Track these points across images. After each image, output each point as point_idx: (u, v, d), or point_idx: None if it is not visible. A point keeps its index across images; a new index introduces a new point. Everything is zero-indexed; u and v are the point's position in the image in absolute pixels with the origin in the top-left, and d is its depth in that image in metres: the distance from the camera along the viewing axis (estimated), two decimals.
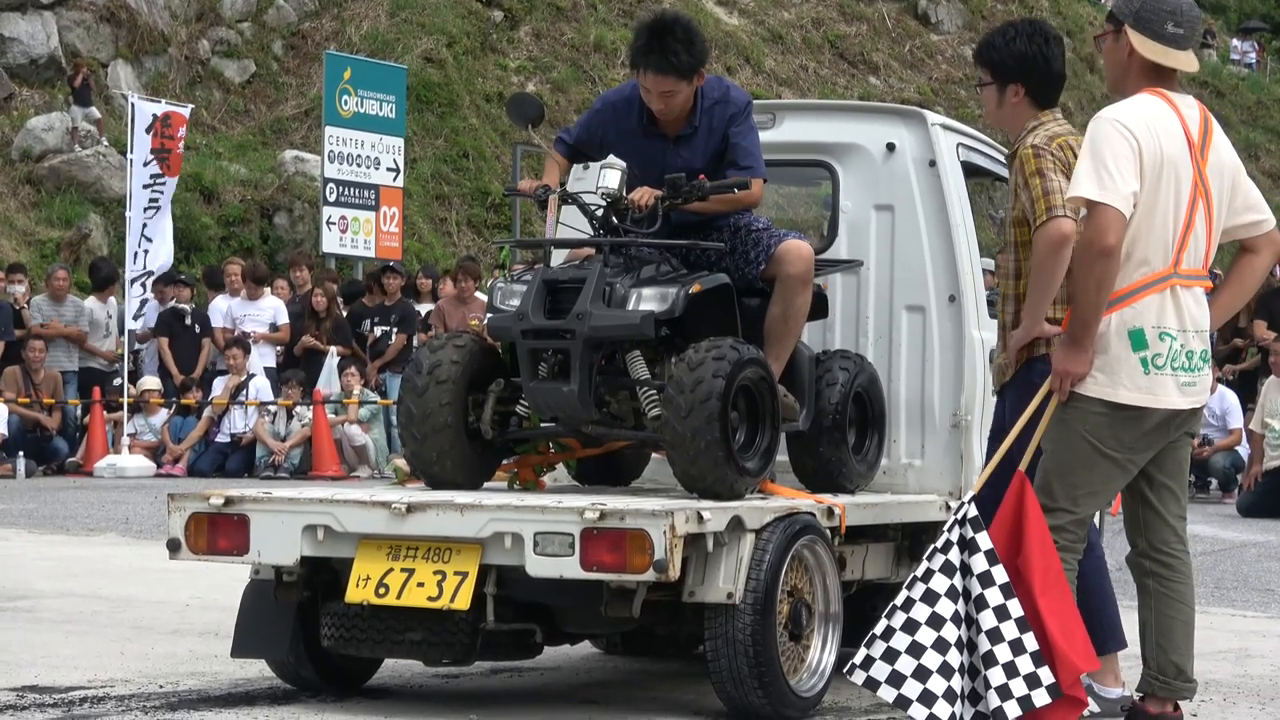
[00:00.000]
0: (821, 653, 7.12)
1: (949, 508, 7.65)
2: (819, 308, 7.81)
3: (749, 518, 6.78)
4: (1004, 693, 6.02)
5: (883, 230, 8.18)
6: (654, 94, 7.46)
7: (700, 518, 6.55)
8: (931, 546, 6.21)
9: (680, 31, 7.41)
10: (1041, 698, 6.04)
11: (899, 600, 6.15)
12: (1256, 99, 49.32)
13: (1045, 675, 6.06)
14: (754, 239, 7.53)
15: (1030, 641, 6.07)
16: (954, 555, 6.16)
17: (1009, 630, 6.07)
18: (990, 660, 6.05)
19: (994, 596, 6.09)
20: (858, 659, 6.13)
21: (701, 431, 6.85)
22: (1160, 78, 6.40)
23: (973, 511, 6.20)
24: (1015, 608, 6.09)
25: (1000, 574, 6.12)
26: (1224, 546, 14.90)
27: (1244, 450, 19.45)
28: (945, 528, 6.22)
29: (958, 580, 6.14)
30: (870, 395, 7.89)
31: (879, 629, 6.14)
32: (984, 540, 6.15)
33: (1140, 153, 6.20)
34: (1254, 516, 17.67)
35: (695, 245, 7.46)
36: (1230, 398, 19.88)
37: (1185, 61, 6.39)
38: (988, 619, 6.08)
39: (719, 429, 6.86)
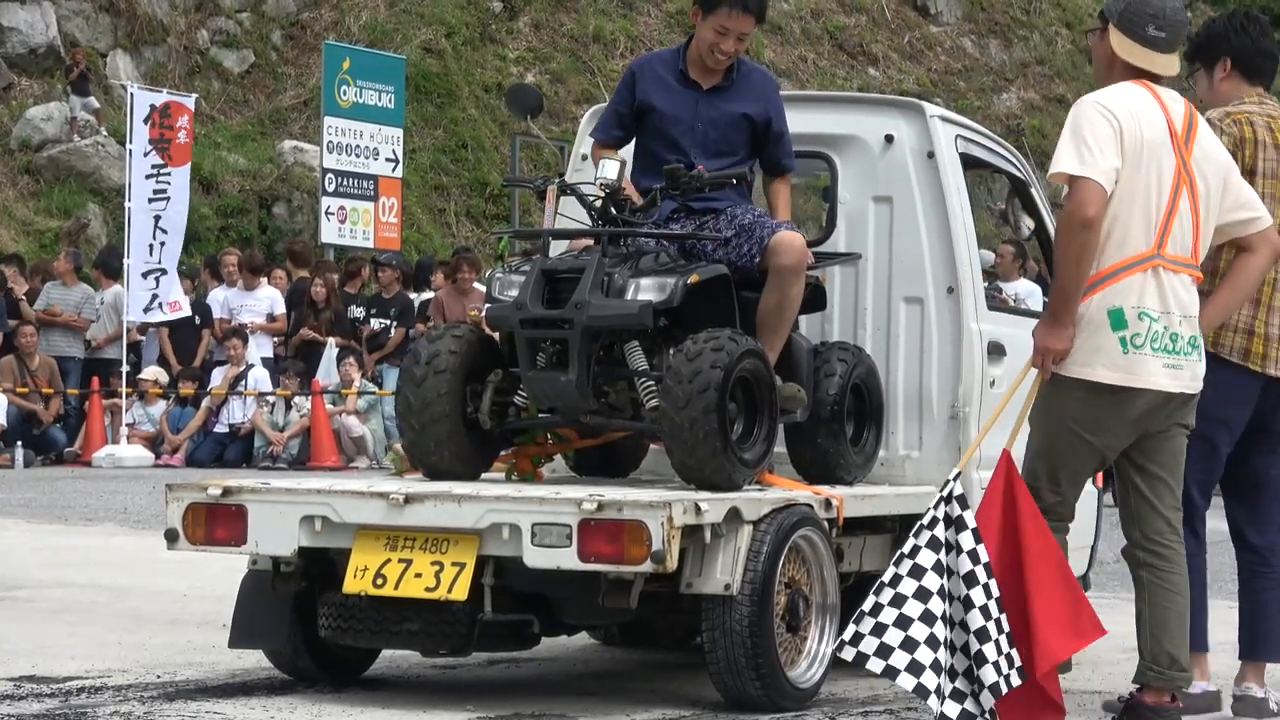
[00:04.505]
0: (819, 644, 7.12)
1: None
2: (817, 300, 7.81)
3: (747, 509, 6.78)
4: (998, 668, 6.10)
5: (881, 222, 8.17)
6: (731, 35, 7.55)
7: (698, 509, 6.55)
8: (918, 524, 6.25)
9: None
10: (1015, 679, 6.12)
11: (886, 577, 6.19)
12: None
13: (1015, 657, 6.14)
14: (747, 231, 7.53)
15: (1005, 623, 6.14)
16: (940, 531, 6.21)
17: (994, 609, 6.14)
18: (984, 635, 6.12)
19: (981, 574, 6.16)
20: (847, 635, 6.16)
21: (699, 422, 6.85)
22: (1146, 76, 6.47)
23: (958, 489, 6.25)
24: (994, 588, 6.16)
25: (984, 553, 6.18)
26: (1222, 538, 14.86)
27: None
28: (932, 505, 6.27)
29: (944, 556, 6.19)
30: (868, 387, 7.88)
31: (867, 605, 6.17)
32: (970, 518, 6.21)
33: (1121, 133, 6.26)
34: None
35: (694, 236, 7.46)
36: None
37: (1164, 65, 6.48)
38: (978, 595, 6.14)
39: (717, 420, 6.86)
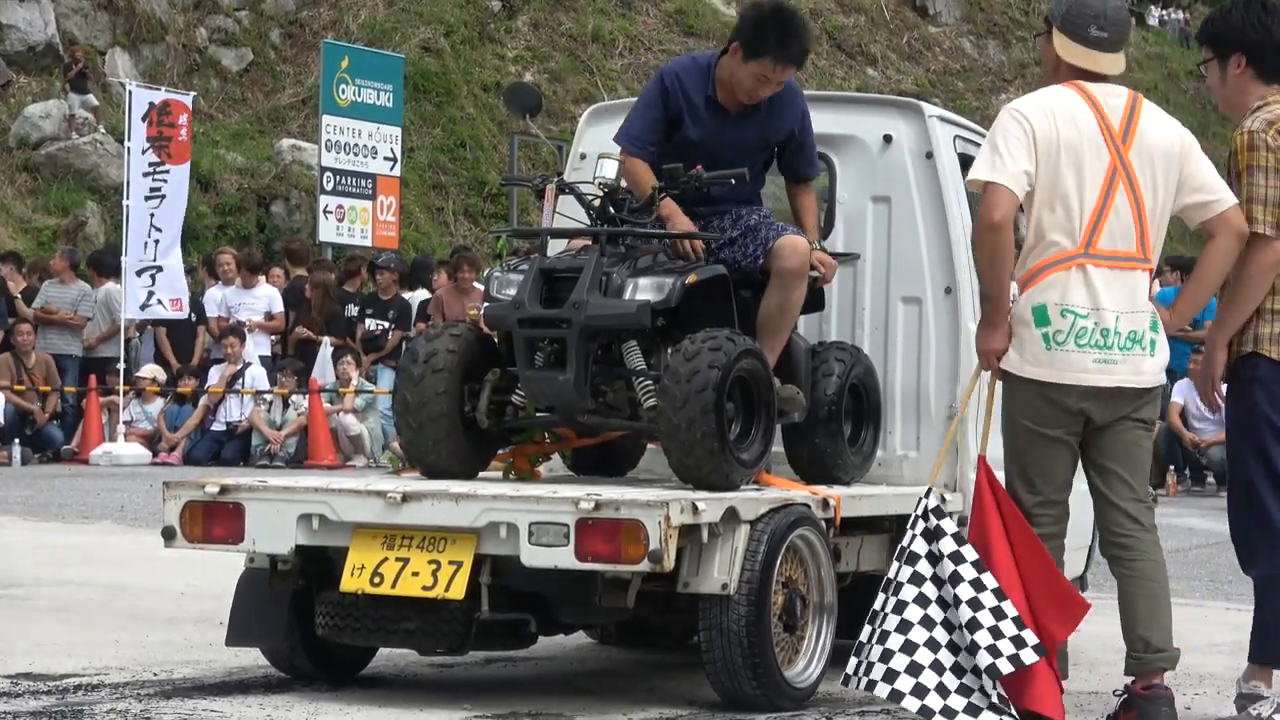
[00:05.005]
0: (816, 644, 7.12)
1: (944, 499, 7.67)
2: (815, 300, 7.82)
3: (744, 509, 6.78)
4: (994, 651, 6.20)
5: (879, 222, 8.18)
6: (772, 82, 7.50)
7: (695, 508, 6.55)
8: (899, 546, 6.45)
9: (800, 22, 7.54)
10: (1030, 656, 6.23)
11: (877, 605, 6.40)
12: None
13: (1029, 637, 6.25)
14: (752, 231, 7.54)
15: (1010, 608, 6.27)
16: (919, 547, 6.38)
17: (988, 599, 6.26)
18: (975, 625, 6.24)
19: (967, 571, 6.30)
20: (850, 669, 6.37)
21: (697, 422, 6.86)
22: (1094, 77, 6.52)
23: (932, 502, 6.44)
24: (990, 580, 6.29)
25: (970, 552, 6.35)
26: (1220, 540, 14.86)
27: None
28: (909, 525, 6.45)
29: (923, 567, 6.35)
30: (866, 387, 7.89)
31: (864, 636, 6.39)
32: (948, 525, 6.39)
33: (1034, 136, 6.37)
34: None
35: (693, 236, 7.46)
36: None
37: (1109, 64, 6.54)
38: (965, 591, 6.28)
39: (714, 420, 6.86)
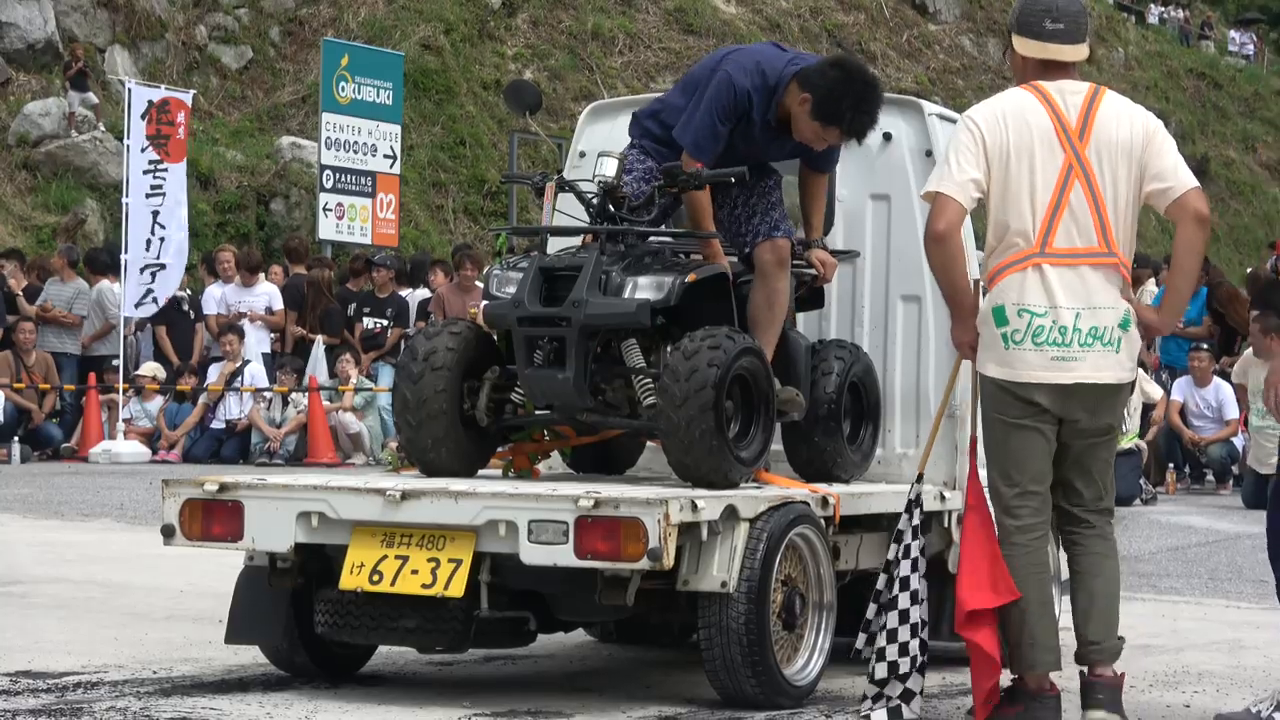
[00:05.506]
0: (815, 642, 7.12)
1: (943, 497, 7.70)
2: (815, 298, 7.82)
3: (743, 507, 6.78)
4: (891, 668, 6.65)
5: (879, 220, 8.18)
6: (828, 142, 7.51)
7: (694, 506, 6.55)
8: (896, 529, 6.72)
9: (877, 97, 7.42)
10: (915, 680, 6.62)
11: (880, 583, 6.71)
12: (1254, 90, 49.39)
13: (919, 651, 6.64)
14: (749, 210, 7.57)
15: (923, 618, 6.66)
16: (909, 539, 6.68)
17: (917, 612, 6.63)
18: (893, 636, 6.60)
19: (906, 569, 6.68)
20: (859, 643, 6.73)
21: (696, 420, 6.86)
22: (1058, 72, 6.55)
23: (913, 494, 6.72)
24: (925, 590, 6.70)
25: (914, 549, 6.67)
26: (1219, 538, 14.91)
27: (1240, 441, 19.41)
28: (904, 509, 6.72)
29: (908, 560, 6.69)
30: (865, 385, 7.89)
31: (870, 612, 6.69)
32: (916, 517, 6.68)
33: (984, 143, 6.45)
34: (1258, 508, 17.60)
35: (691, 235, 7.46)
36: (1226, 389, 19.82)
37: (1071, 54, 6.58)
38: (904, 599, 6.61)
39: (714, 418, 6.86)
